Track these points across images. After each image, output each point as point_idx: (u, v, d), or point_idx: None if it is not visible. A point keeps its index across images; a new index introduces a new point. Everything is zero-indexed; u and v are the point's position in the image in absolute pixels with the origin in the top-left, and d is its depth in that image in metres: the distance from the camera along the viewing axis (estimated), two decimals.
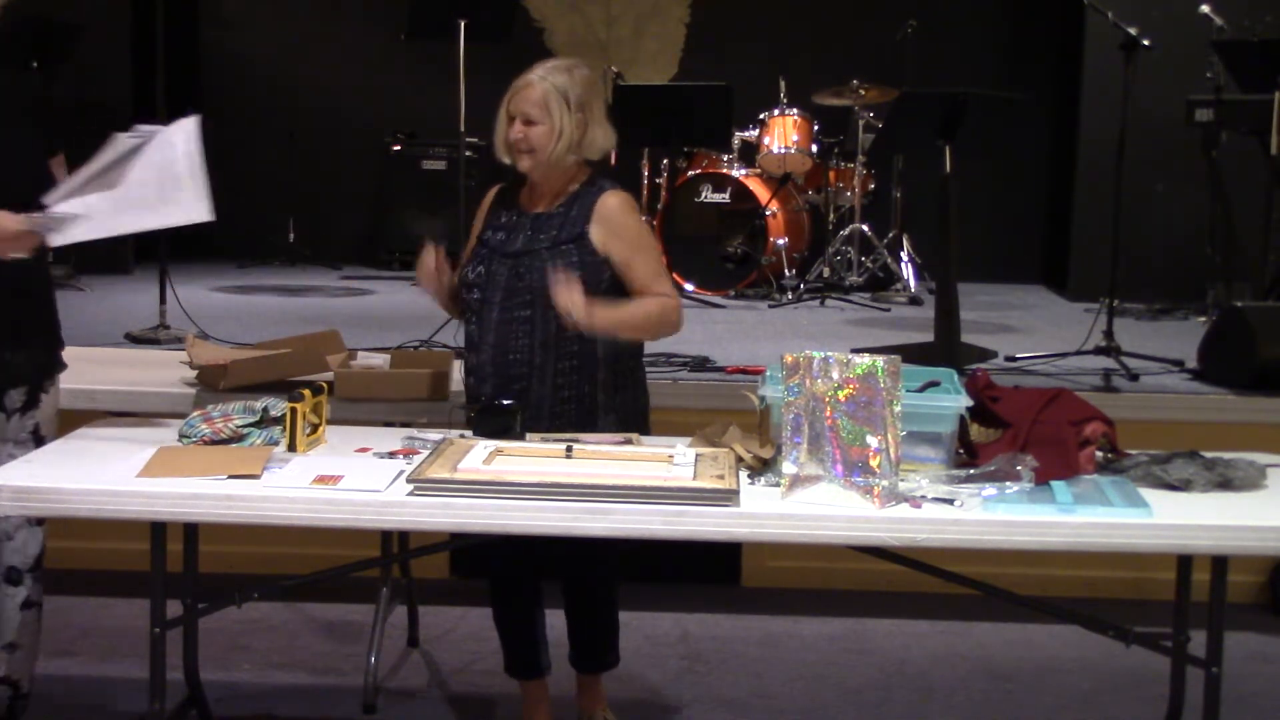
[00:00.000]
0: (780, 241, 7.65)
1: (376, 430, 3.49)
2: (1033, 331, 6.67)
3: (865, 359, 2.91)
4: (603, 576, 3.63)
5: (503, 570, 3.57)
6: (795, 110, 7.70)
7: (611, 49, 8.83)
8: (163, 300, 5.76)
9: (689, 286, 7.50)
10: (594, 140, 3.41)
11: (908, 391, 3.00)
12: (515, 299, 3.36)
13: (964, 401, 3.07)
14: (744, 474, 3.02)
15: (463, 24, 7.55)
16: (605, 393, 3.41)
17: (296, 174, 8.74)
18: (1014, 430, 3.14)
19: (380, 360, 4.10)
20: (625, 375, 3.47)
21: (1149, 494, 2.97)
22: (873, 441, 2.85)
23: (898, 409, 2.86)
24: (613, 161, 4.41)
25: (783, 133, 7.66)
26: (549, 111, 3.34)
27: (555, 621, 3.66)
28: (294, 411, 3.18)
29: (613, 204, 3.41)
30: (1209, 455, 3.15)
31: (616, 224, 3.40)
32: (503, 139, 3.42)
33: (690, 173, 7.75)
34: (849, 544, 2.98)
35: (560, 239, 3.37)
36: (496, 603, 3.62)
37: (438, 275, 3.49)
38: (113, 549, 4.72)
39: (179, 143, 3.17)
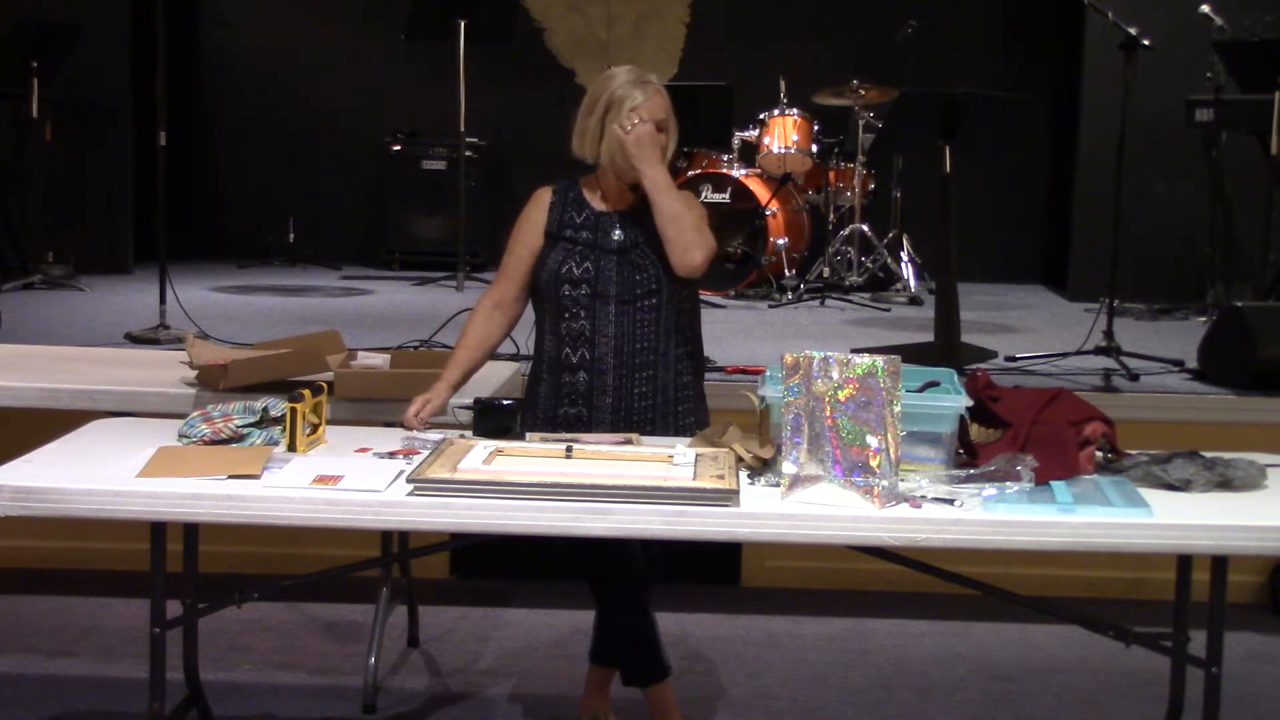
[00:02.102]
0: (780, 241, 7.65)
1: (376, 430, 3.49)
2: (1033, 331, 6.67)
3: (865, 359, 2.91)
4: (627, 577, 3.61)
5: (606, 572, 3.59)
6: (795, 110, 7.69)
7: (611, 49, 8.82)
8: (163, 300, 5.76)
9: None
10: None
11: (908, 391, 3.00)
12: (636, 290, 3.44)
13: (964, 401, 3.07)
14: (744, 474, 3.02)
15: (463, 24, 7.57)
16: (699, 378, 3.57)
17: (296, 174, 8.74)
18: (1014, 430, 3.14)
19: (380, 360, 4.10)
20: (703, 364, 3.65)
21: (1149, 494, 2.97)
22: (873, 441, 2.85)
23: (898, 409, 2.86)
24: None
25: (783, 133, 7.66)
26: (670, 115, 3.57)
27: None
28: (294, 411, 3.18)
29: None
30: (1209, 455, 3.15)
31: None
32: (627, 141, 3.51)
33: (690, 173, 7.74)
34: (849, 544, 2.98)
35: (655, 234, 3.49)
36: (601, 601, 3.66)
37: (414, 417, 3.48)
38: (113, 549, 4.73)
39: None
